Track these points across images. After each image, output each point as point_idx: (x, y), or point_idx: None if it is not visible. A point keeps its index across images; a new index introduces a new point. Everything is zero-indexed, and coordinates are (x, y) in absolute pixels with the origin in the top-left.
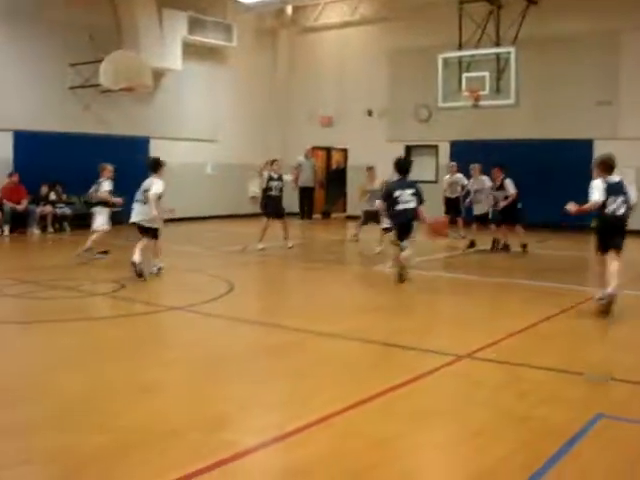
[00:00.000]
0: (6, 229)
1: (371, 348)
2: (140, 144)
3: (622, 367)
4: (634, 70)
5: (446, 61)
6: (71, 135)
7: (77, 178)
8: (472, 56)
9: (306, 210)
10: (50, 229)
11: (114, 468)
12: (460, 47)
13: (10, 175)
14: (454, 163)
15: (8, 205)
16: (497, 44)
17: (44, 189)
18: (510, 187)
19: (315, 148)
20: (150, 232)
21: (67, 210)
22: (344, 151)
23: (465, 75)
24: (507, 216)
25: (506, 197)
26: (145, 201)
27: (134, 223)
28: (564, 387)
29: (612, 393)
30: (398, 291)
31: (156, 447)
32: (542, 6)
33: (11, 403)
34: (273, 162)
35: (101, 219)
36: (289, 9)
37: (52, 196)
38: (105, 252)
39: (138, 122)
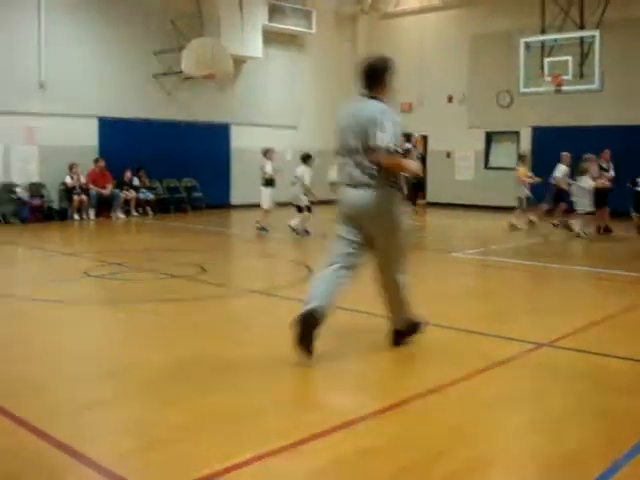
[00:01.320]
0: (92, 213)
1: (450, 334)
2: (221, 130)
3: None
4: None
5: (528, 45)
6: (154, 121)
7: (160, 164)
8: (555, 40)
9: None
10: (134, 213)
11: (197, 443)
12: (543, 31)
13: (96, 161)
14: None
15: (94, 190)
16: (581, 27)
17: (128, 174)
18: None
19: None
20: (299, 208)
21: (150, 195)
22: (424, 137)
23: (547, 60)
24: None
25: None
26: (295, 183)
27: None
28: None
29: None
30: (479, 277)
31: (239, 425)
32: None
33: (97, 378)
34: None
35: (264, 198)
36: None
37: (135, 181)
38: (263, 229)
39: (219, 109)
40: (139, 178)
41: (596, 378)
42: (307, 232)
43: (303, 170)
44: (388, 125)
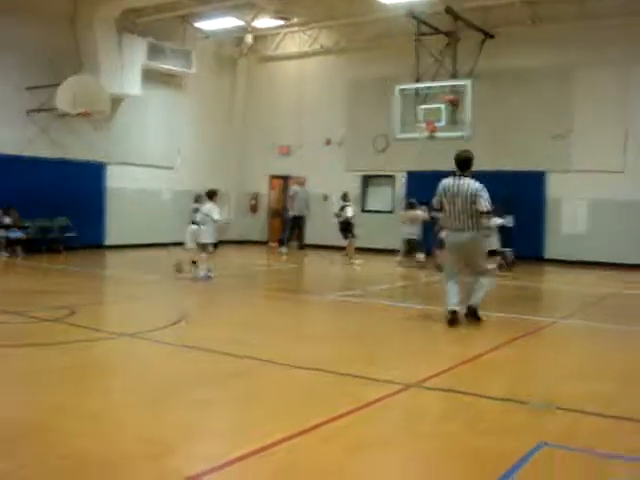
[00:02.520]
0: None
1: (319, 376)
2: (96, 169)
3: (566, 396)
4: (587, 104)
5: (403, 92)
6: (27, 159)
7: (32, 202)
8: (429, 88)
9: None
10: (3, 253)
11: None
12: (417, 79)
13: None
14: None
15: None
16: (454, 76)
17: None
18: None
19: (273, 177)
20: (206, 247)
21: (20, 234)
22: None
23: (421, 107)
24: None
25: None
26: (204, 223)
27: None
28: (509, 416)
29: (555, 422)
30: (350, 320)
31: (101, 473)
32: (498, 40)
33: None
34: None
35: (187, 239)
36: (249, 37)
37: (6, 220)
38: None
39: (95, 147)
40: (10, 216)
41: (463, 418)
42: (209, 276)
43: (211, 207)
44: (486, 196)
